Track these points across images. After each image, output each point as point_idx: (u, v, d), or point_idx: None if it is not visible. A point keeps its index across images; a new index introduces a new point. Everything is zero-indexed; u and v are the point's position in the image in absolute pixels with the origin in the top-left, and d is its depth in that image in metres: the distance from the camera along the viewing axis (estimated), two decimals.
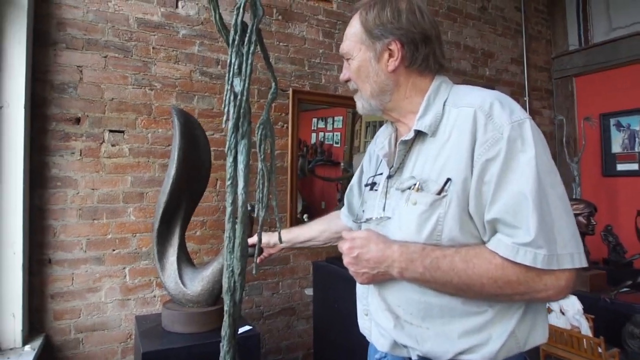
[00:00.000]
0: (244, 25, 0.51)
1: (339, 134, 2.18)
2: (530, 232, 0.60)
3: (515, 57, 2.74)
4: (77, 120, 1.50)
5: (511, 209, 0.62)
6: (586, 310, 1.58)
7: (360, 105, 0.83)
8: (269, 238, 1.09)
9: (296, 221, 1.83)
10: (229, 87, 0.49)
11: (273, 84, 0.51)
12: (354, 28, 0.78)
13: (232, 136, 0.48)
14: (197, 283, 1.31)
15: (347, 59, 0.81)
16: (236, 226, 0.50)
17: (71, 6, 1.50)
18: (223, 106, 0.48)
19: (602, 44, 2.48)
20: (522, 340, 0.68)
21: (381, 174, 0.86)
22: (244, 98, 0.48)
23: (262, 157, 0.49)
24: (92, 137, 1.51)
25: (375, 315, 0.79)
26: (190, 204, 1.37)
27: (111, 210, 1.53)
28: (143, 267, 1.57)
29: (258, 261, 0.99)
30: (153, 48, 1.61)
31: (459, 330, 0.68)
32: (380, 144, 0.86)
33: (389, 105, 0.79)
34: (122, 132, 1.56)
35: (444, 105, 0.74)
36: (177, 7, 1.66)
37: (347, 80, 0.84)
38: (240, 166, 0.49)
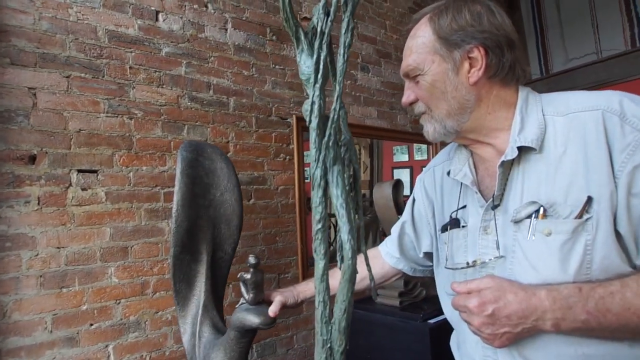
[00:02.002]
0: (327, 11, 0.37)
1: None
2: None
3: None
4: (32, 159, 1.13)
5: None
6: None
7: (432, 128, 0.70)
8: (292, 292, 0.94)
9: (309, 265, 1.65)
10: (316, 94, 0.36)
11: (338, 99, 0.38)
12: (423, 38, 0.68)
13: (321, 161, 0.35)
14: (214, 355, 1.06)
15: (414, 76, 0.69)
16: (342, 287, 0.36)
17: (16, 10, 1.13)
18: (308, 122, 0.36)
19: (560, 73, 2.66)
20: None
21: (464, 206, 0.74)
22: (338, 108, 0.36)
23: (347, 187, 0.38)
24: (54, 179, 1.15)
25: None
26: (219, 253, 1.11)
27: (85, 273, 1.18)
28: (132, 342, 1.24)
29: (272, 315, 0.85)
30: (130, 68, 1.31)
31: None
32: (458, 171, 0.74)
33: (467, 125, 0.68)
34: (95, 171, 1.22)
35: (543, 115, 0.66)
36: (157, 19, 1.38)
37: (412, 103, 0.72)
38: (339, 201, 0.35)
